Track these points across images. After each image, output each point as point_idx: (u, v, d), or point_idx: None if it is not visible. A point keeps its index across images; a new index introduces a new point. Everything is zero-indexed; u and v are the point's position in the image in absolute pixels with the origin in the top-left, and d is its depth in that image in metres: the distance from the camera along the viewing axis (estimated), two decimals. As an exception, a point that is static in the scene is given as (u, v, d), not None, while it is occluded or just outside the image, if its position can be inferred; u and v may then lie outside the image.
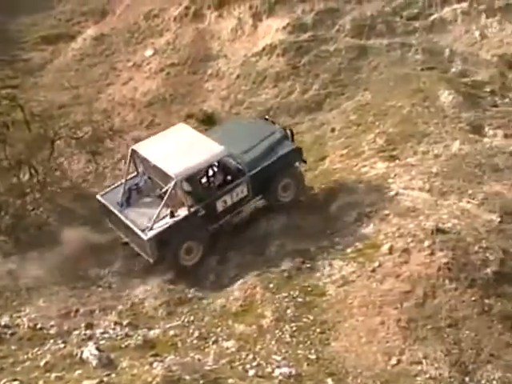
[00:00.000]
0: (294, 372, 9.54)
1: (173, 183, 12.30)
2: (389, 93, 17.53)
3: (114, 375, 8.83)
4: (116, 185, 13.92)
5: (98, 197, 13.61)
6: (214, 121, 17.76)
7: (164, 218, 12.51)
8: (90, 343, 9.83)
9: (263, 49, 19.49)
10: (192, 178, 12.83)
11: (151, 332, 10.78)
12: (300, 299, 11.37)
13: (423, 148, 15.08)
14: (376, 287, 11.07)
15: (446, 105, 16.75)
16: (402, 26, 19.92)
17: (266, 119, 15.49)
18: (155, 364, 9.10)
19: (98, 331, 10.72)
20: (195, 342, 10.50)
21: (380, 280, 11.18)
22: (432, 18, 20.32)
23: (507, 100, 17.61)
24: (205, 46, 20.19)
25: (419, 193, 13.39)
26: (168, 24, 21.06)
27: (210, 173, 13.37)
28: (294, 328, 10.71)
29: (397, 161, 14.76)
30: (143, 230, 12.30)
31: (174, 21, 21.03)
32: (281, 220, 13.40)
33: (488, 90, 17.88)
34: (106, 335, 10.63)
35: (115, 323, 11.04)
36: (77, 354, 9.42)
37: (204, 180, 13.31)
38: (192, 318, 11.25)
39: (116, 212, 12.99)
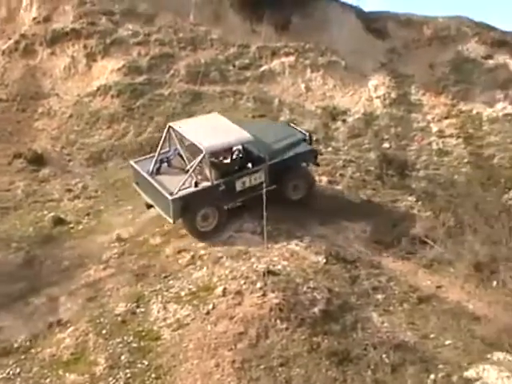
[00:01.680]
0: (128, 420, 9.32)
1: (201, 155, 13.62)
2: (222, 138, 17.91)
3: None
4: (148, 156, 15.17)
5: (131, 162, 15.02)
6: (44, 161, 17.11)
7: (189, 187, 13.71)
8: None
9: (97, 89, 19.29)
10: (219, 154, 14.43)
11: (-29, 389, 10.03)
12: (134, 344, 11.13)
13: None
14: (211, 329, 11.11)
15: (275, 150, 17.46)
16: (234, 74, 20.66)
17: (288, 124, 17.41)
18: (-24, 425, 8.44)
19: None
20: (22, 395, 9.92)
21: (214, 322, 11.24)
22: (262, 68, 21.29)
23: (330, 149, 18.80)
24: (35, 83, 19.52)
25: (251, 236, 13.74)
26: (-5, 58, 20.10)
27: (235, 156, 14.69)
28: (129, 374, 10.48)
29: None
30: (170, 193, 13.43)
31: (2, 55, 20.11)
32: (115, 263, 13.11)
33: (313, 139, 18.95)
34: None
35: None
36: None
37: (229, 160, 14.64)
38: (18, 369, 10.63)
39: (146, 176, 14.24)
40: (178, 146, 14.60)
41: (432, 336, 11.71)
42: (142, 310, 11.97)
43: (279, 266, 12.45)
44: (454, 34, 25.81)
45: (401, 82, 23.12)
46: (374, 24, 24.82)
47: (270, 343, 10.67)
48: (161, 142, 14.76)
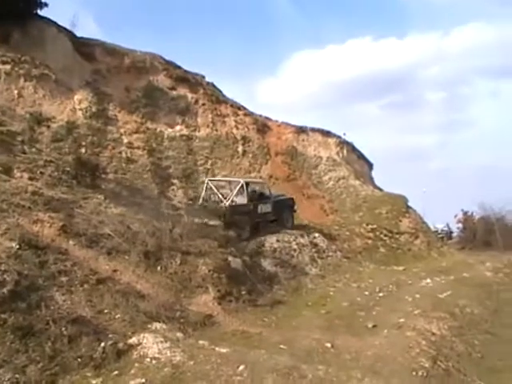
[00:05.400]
0: None
1: (241, 184, 20.03)
2: None
3: None
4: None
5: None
6: None
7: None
8: None
9: None
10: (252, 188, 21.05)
11: None
12: None
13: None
14: None
15: (-17, 149, 16.13)
16: None
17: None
18: None
19: None
20: None
21: None
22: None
23: (34, 149, 17.92)
24: None
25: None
26: None
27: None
28: None
29: None
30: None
31: None
32: None
33: (19, 139, 17.91)
34: None
35: None
36: None
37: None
38: None
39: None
40: (215, 190, 20.18)
41: (106, 311, 11.67)
42: None
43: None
44: (148, 66, 26.82)
45: (101, 99, 23.22)
46: (84, 48, 24.46)
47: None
48: (202, 192, 20.47)
